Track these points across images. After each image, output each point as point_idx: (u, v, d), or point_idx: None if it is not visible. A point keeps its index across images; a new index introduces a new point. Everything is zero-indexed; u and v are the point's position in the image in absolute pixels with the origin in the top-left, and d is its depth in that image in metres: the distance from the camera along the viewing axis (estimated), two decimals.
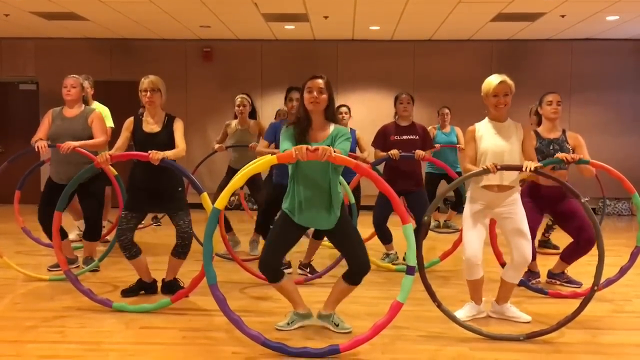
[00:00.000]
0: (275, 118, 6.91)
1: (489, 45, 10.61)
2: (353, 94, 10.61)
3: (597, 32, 9.83)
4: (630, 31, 9.77)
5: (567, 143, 4.64)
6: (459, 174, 7.49)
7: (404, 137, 5.47)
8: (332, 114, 3.61)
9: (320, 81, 3.55)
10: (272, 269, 3.60)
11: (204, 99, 10.68)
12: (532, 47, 10.56)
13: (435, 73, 10.62)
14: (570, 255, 4.78)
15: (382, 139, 5.52)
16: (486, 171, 3.61)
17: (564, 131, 4.71)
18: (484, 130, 3.90)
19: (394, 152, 5.25)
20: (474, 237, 3.83)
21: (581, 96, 10.41)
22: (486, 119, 3.95)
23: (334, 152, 3.20)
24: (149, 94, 4.34)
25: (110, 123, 6.44)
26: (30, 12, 8.70)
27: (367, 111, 10.21)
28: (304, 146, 3.20)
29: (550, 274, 5.00)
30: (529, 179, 4.74)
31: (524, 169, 3.61)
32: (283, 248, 3.70)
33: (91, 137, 5.07)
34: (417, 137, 5.49)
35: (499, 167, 3.61)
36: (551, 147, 4.61)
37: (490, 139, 3.85)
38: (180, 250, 4.38)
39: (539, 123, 4.82)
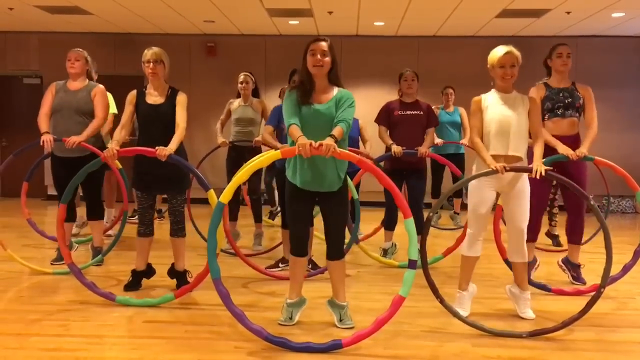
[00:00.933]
0: (279, 95, 6.91)
1: (493, 42, 10.41)
2: (357, 90, 10.55)
3: (603, 29, 9.80)
4: (636, 28, 9.73)
5: (578, 92, 4.64)
6: (462, 155, 7.56)
7: (408, 112, 5.46)
8: (335, 76, 3.59)
9: (323, 44, 3.52)
10: (301, 240, 3.66)
11: (207, 94, 10.67)
12: (537, 43, 10.47)
13: (439, 69, 10.58)
14: (572, 231, 4.74)
15: (386, 115, 5.52)
16: (494, 172, 3.58)
17: (573, 83, 4.71)
18: (490, 100, 3.88)
19: (397, 149, 5.22)
20: (479, 215, 3.81)
21: None
22: (493, 90, 3.94)
23: (336, 146, 3.23)
24: (152, 65, 4.32)
25: (113, 109, 6.44)
26: (35, 5, 8.71)
27: (371, 107, 10.12)
28: (308, 142, 3.20)
29: (567, 261, 4.94)
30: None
31: (533, 174, 3.59)
32: (302, 216, 3.69)
33: (93, 111, 5.09)
34: (422, 113, 5.47)
35: (507, 168, 3.59)
36: (561, 95, 4.62)
37: (497, 109, 3.83)
38: (175, 227, 4.43)
39: (549, 74, 4.81)
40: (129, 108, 4.40)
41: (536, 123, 3.87)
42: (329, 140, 3.25)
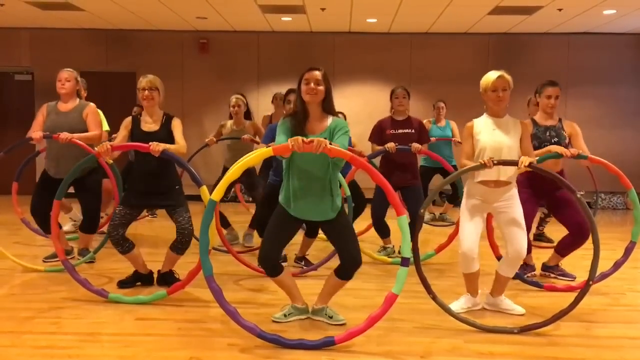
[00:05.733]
0: (272, 102, 6.88)
1: (486, 39, 10.61)
2: (349, 87, 10.60)
3: (594, 26, 9.84)
4: (627, 25, 9.78)
5: (564, 130, 4.66)
6: (454, 167, 7.51)
7: (400, 131, 5.47)
8: (329, 105, 3.60)
9: (317, 73, 3.54)
10: (271, 263, 3.60)
11: (200, 91, 10.67)
12: (529, 40, 10.56)
13: (431, 66, 10.62)
14: (564, 247, 4.80)
15: (378, 134, 5.52)
16: (483, 166, 3.62)
17: (560, 119, 4.73)
18: (482, 126, 3.91)
19: (391, 145, 5.25)
20: (470, 231, 3.85)
21: (578, 90, 10.43)
22: (484, 115, 3.96)
23: (330, 144, 3.22)
24: (147, 92, 4.33)
25: (105, 127, 6.42)
26: (26, 2, 8.66)
27: (364, 104, 10.22)
28: (300, 137, 3.20)
29: (545, 267, 5.03)
30: None
31: (519, 165, 3.63)
32: (280, 242, 3.70)
33: (86, 131, 5.06)
34: (413, 131, 5.49)
35: (495, 162, 3.63)
36: (547, 134, 4.62)
37: (489, 135, 3.86)
38: (179, 247, 4.36)
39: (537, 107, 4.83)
40: (123, 132, 4.41)
41: (529, 147, 3.92)
42: (321, 137, 3.25)
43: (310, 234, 5.26)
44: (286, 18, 9.61)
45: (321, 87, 3.53)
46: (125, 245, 4.34)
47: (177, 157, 4.17)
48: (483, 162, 3.61)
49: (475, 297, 4.03)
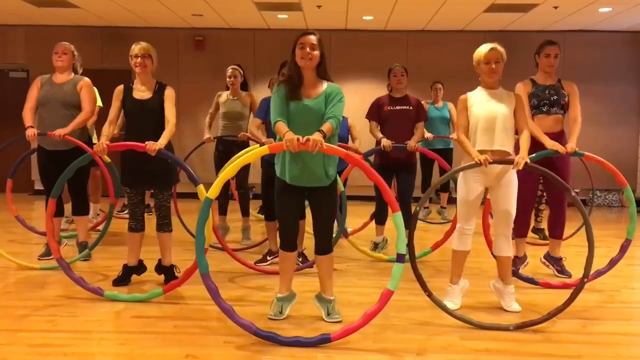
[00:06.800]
0: (268, 86, 6.88)
1: (481, 36, 10.58)
2: (346, 84, 10.58)
3: (590, 23, 9.85)
4: (623, 23, 9.79)
5: (563, 89, 4.68)
6: (451, 150, 7.60)
7: (398, 107, 5.48)
8: (324, 70, 3.58)
9: (312, 37, 3.51)
10: (288, 234, 3.66)
11: (196, 88, 10.62)
12: (525, 38, 10.53)
13: (428, 63, 10.61)
14: (553, 227, 4.82)
15: (376, 110, 5.54)
16: (477, 165, 3.62)
17: (559, 79, 4.74)
18: (476, 97, 3.94)
19: (387, 143, 5.24)
20: (468, 206, 3.87)
21: None
22: (479, 87, 3.99)
23: (324, 141, 3.24)
24: (139, 59, 4.29)
25: (99, 102, 6.40)
26: None
27: (360, 101, 10.16)
28: (295, 137, 3.20)
29: (548, 256, 5.00)
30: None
31: (514, 166, 3.63)
32: (291, 213, 3.67)
33: (79, 104, 5.05)
34: (411, 108, 5.50)
35: (490, 160, 3.63)
36: (547, 92, 4.66)
37: (483, 105, 3.87)
38: (161, 222, 4.42)
39: (537, 68, 4.86)
40: (116, 103, 4.37)
41: (522, 119, 3.91)
42: (316, 136, 3.25)
43: (269, 218, 5.19)
44: (282, 15, 9.59)
45: (316, 52, 3.51)
46: (141, 223, 4.43)
47: (174, 156, 4.16)
48: (478, 161, 3.62)
49: (456, 283, 4.00)
